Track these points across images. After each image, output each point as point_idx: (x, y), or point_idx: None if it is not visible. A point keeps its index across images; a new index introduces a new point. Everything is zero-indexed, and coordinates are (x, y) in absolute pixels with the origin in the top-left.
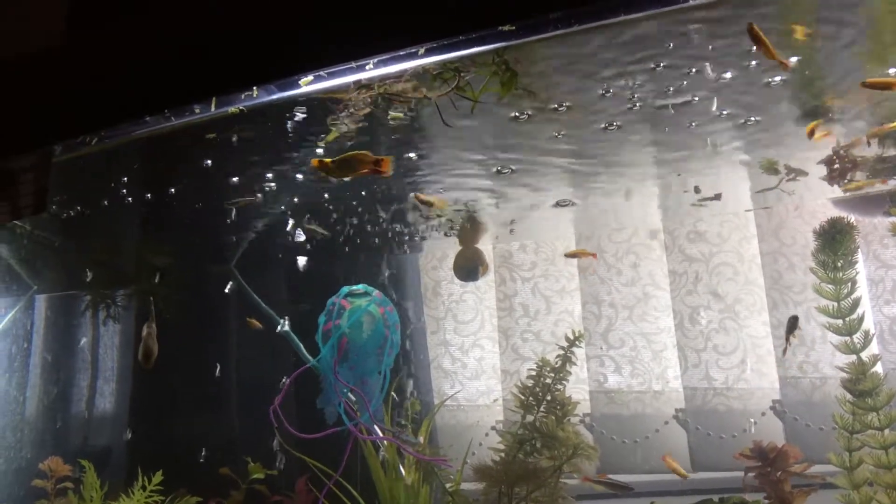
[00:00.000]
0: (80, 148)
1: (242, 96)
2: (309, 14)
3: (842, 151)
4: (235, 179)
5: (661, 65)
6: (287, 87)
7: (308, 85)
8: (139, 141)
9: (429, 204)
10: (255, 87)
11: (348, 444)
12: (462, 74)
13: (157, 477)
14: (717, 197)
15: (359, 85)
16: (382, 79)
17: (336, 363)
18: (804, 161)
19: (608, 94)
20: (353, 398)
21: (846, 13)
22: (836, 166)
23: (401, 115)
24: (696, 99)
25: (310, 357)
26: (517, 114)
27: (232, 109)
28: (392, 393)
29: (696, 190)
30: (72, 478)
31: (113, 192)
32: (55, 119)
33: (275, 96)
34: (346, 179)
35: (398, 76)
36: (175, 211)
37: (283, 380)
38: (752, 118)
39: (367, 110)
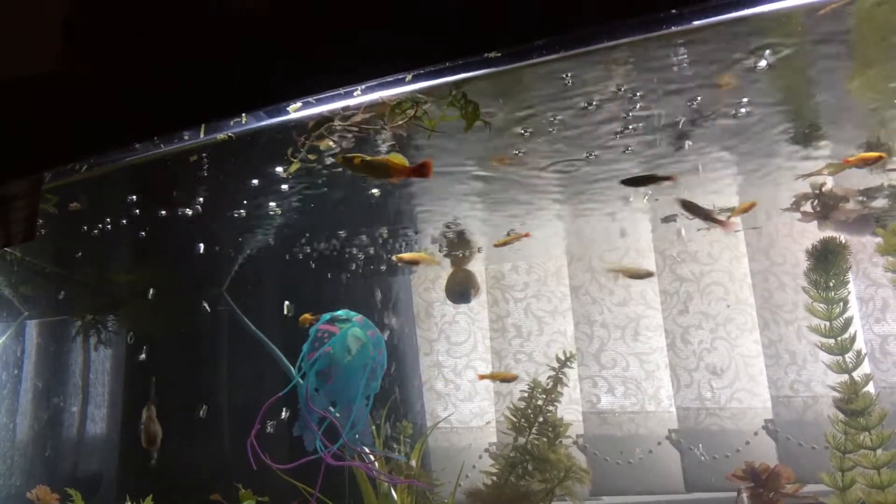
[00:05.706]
0: (70, 174)
1: (231, 122)
2: (297, 42)
3: (802, 179)
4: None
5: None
6: (276, 113)
7: (296, 111)
8: (131, 167)
9: (413, 262)
10: (243, 114)
11: (321, 469)
12: (419, 105)
13: (147, 503)
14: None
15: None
16: (357, 106)
17: (307, 389)
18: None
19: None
20: (336, 421)
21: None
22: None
23: (331, 144)
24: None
25: (293, 373)
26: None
27: (220, 136)
28: (384, 416)
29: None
30: None
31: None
32: (45, 145)
33: (263, 123)
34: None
35: (357, 108)
36: (165, 235)
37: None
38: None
39: (327, 141)
